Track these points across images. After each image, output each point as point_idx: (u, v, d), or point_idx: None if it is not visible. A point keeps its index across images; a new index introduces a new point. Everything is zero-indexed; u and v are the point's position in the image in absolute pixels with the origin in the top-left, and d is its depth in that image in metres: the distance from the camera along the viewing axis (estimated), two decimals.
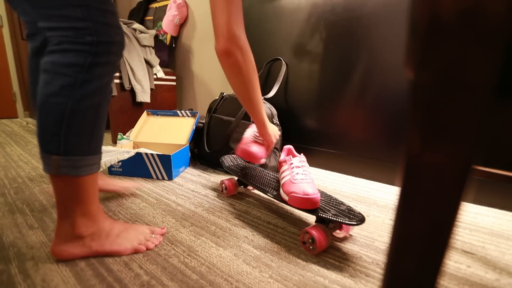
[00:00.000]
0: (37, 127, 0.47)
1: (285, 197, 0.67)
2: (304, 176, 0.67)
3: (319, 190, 0.73)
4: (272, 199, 0.87)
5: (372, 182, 1.07)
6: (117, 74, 1.52)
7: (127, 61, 1.54)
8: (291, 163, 0.72)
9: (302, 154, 0.77)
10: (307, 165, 0.73)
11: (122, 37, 0.52)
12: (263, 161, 0.80)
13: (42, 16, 0.45)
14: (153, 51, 1.71)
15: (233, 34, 0.52)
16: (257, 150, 0.78)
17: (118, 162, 1.01)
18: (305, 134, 1.27)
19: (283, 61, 1.28)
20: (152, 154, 1.00)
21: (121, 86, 1.54)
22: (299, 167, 0.70)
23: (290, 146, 0.82)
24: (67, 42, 0.45)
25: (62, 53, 0.45)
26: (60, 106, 0.45)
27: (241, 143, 0.81)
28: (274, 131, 0.80)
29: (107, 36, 0.48)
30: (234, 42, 0.53)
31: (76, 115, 0.47)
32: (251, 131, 0.85)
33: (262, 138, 0.79)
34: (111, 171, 1.05)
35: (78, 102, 0.46)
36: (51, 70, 0.46)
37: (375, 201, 0.88)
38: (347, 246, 0.62)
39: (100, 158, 0.54)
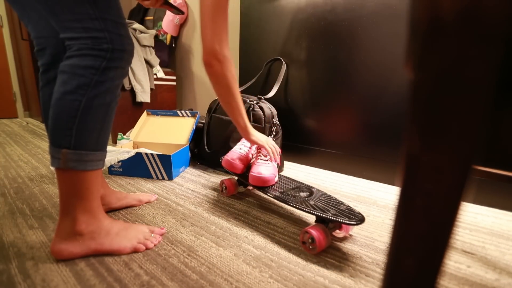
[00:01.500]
0: (50, 123, 0.51)
1: None
2: (263, 161, 0.78)
3: (319, 189, 0.75)
4: (272, 199, 0.87)
5: (372, 182, 1.07)
6: None
7: None
8: (259, 152, 0.84)
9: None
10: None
11: (132, 47, 0.58)
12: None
13: (65, 28, 0.50)
14: (153, 51, 1.71)
15: (214, 49, 0.61)
16: (238, 163, 0.83)
17: (118, 162, 1.01)
18: (305, 134, 1.27)
19: (283, 61, 1.28)
20: (152, 154, 1.00)
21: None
22: (265, 155, 0.81)
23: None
24: (86, 49, 0.50)
25: (80, 57, 0.50)
26: (75, 103, 0.50)
27: (227, 155, 0.86)
28: (266, 138, 0.81)
29: (121, 45, 0.54)
30: (215, 56, 0.62)
31: (89, 112, 0.51)
32: (238, 145, 0.90)
33: (249, 141, 0.79)
34: (111, 171, 1.05)
35: (92, 100, 0.51)
36: (68, 71, 0.51)
37: (375, 201, 0.88)
38: (347, 246, 0.62)
39: (105, 156, 0.57)
